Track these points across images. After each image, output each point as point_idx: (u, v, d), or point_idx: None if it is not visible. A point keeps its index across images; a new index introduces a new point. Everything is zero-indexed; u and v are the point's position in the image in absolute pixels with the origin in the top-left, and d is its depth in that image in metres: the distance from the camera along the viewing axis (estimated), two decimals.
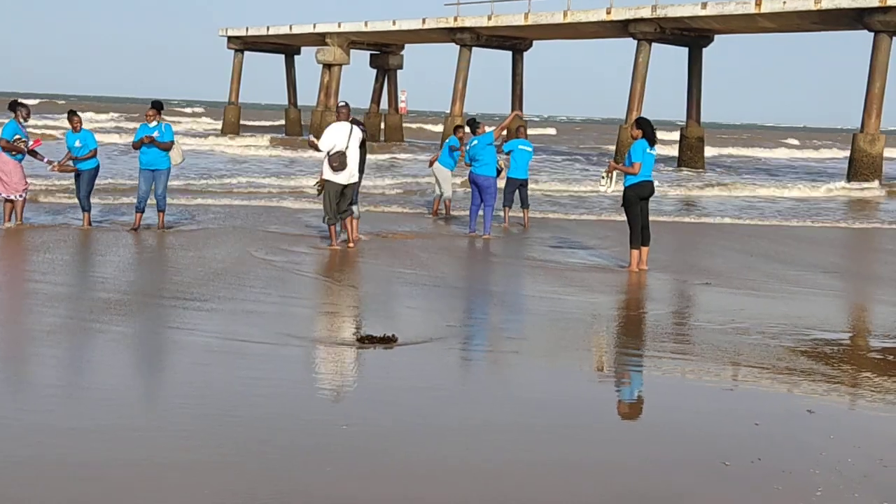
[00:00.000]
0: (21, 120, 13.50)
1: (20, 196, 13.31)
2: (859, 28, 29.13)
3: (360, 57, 49.06)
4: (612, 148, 37.28)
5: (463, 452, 5.03)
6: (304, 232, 14.02)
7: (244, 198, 18.83)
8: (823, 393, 6.39)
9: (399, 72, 50.27)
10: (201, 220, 14.97)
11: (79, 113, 14.18)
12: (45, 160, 13.80)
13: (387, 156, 35.72)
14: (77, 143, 13.56)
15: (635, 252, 11.39)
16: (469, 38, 40.03)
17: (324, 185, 12.33)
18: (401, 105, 51.39)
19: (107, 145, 31.46)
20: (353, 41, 46.38)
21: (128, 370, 6.57)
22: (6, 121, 13.58)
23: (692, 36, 35.13)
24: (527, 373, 6.75)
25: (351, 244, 12.48)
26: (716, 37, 36.16)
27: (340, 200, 12.30)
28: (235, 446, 4.97)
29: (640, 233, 11.35)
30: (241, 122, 54.24)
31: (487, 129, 14.93)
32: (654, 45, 34.38)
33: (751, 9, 29.96)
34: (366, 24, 44.88)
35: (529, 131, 24.94)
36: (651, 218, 11.74)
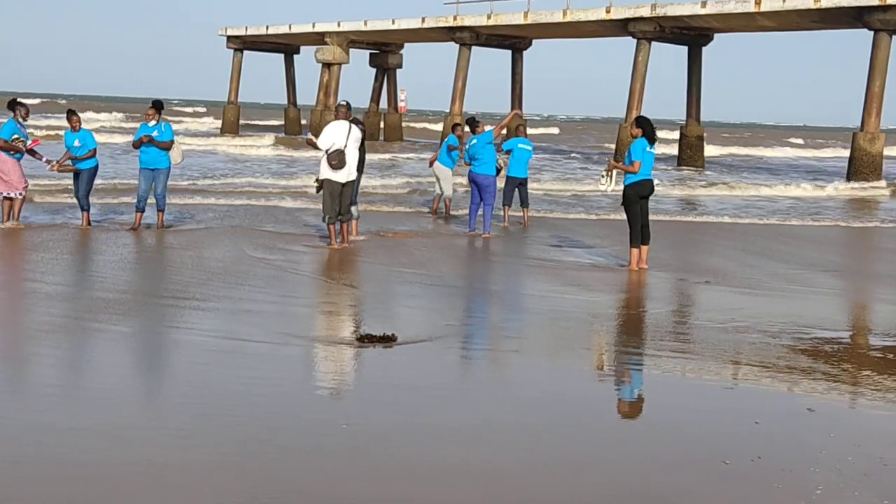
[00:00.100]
0: (20, 119, 13.49)
1: (19, 194, 13.30)
2: (859, 27, 29.13)
3: (360, 56, 49.11)
4: (614, 147, 37.25)
5: (463, 452, 5.03)
6: (304, 231, 14.02)
7: (244, 197, 18.81)
8: (823, 391, 6.39)
9: (398, 71, 50.27)
10: (201, 219, 14.96)
11: (78, 113, 14.17)
12: (44, 159, 13.79)
13: (388, 155, 35.70)
14: (76, 143, 13.55)
15: (635, 251, 11.39)
16: (468, 37, 40.04)
17: (322, 183, 12.33)
18: (400, 104, 51.39)
19: (111, 145, 31.49)
20: (352, 40, 46.39)
21: (127, 370, 6.57)
22: (5, 120, 13.57)
23: (692, 35, 35.13)
24: (527, 372, 6.75)
25: (346, 243, 12.47)
26: (715, 35, 36.16)
27: (340, 200, 12.30)
28: (235, 446, 4.96)
29: (639, 231, 11.34)
30: (248, 121, 54.26)
31: (487, 127, 14.92)
32: (653, 43, 34.39)
33: (750, 7, 29.95)
34: (365, 24, 44.89)
35: (532, 131, 24.95)
36: (651, 217, 11.73)
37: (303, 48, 53.98)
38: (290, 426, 5.32)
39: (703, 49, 36.66)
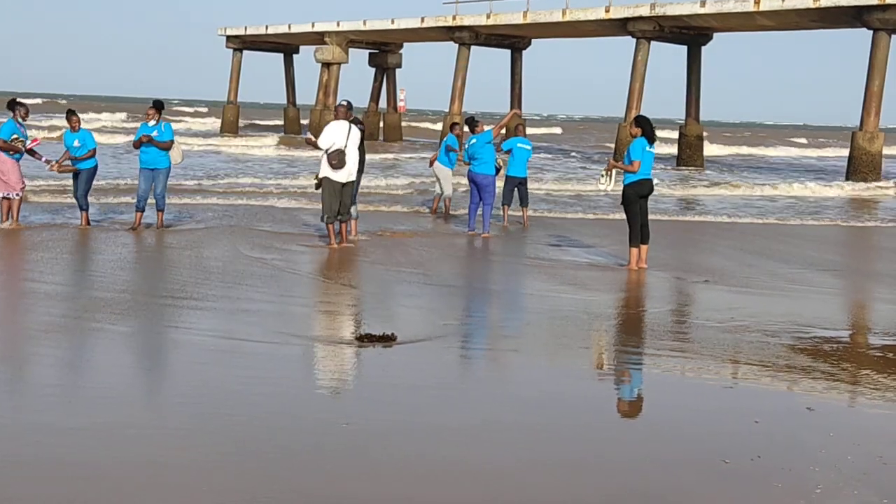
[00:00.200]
0: (19, 119, 13.48)
1: (16, 195, 13.29)
2: (858, 26, 29.14)
3: (359, 56, 49.11)
4: (614, 146, 37.23)
5: (462, 451, 5.03)
6: (303, 231, 14.02)
7: (244, 197, 18.81)
8: (823, 390, 6.39)
9: (398, 70, 50.28)
10: (201, 219, 14.96)
11: (77, 113, 14.16)
12: (44, 159, 13.78)
13: (389, 155, 35.72)
14: (76, 143, 13.54)
15: (634, 250, 11.39)
16: (468, 37, 40.05)
17: (322, 182, 12.33)
18: (399, 104, 51.39)
19: (113, 146, 31.48)
20: (351, 40, 46.39)
21: (126, 369, 6.56)
22: (4, 120, 13.56)
23: (691, 34, 35.14)
24: (526, 371, 6.75)
25: (345, 243, 12.47)
26: (715, 35, 36.18)
27: (340, 200, 12.30)
28: (234, 445, 4.96)
29: (639, 231, 11.34)
30: (250, 121, 54.15)
31: (486, 127, 14.92)
32: (652, 43, 34.40)
33: (749, 7, 29.97)
34: (364, 23, 44.89)
35: (535, 130, 24.94)
36: (650, 216, 11.73)
37: (302, 48, 53.99)
38: (290, 426, 5.32)
39: (703, 48, 36.68)
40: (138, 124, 16.45)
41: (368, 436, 5.17)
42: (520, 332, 8.10)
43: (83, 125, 14.07)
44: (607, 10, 33.90)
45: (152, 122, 13.44)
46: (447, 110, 40.55)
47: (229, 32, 53.78)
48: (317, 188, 12.70)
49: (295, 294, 9.41)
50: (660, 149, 13.79)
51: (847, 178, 28.87)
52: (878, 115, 28.37)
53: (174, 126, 14.25)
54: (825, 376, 6.70)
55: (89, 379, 6.30)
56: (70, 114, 13.83)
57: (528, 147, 16.14)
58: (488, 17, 38.40)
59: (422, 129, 62.33)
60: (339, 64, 46.35)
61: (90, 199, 13.99)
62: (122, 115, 63.80)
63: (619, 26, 34.53)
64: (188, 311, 8.24)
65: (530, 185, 17.79)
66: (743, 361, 7.11)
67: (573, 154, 44.24)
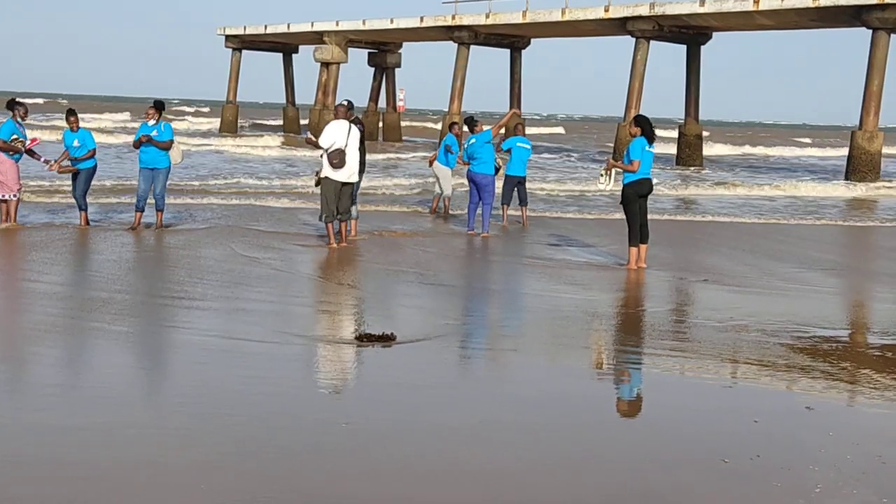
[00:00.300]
0: (18, 119, 13.47)
1: (14, 196, 13.27)
2: (857, 25, 29.13)
3: (358, 55, 49.08)
4: (613, 146, 37.24)
5: (462, 451, 5.03)
6: (303, 231, 14.02)
7: (244, 197, 18.81)
8: (822, 390, 6.39)
9: (397, 70, 50.23)
10: (200, 218, 14.96)
11: (77, 112, 14.16)
12: (43, 160, 13.77)
13: (390, 155, 35.70)
14: (75, 143, 13.54)
15: (634, 250, 11.39)
16: (467, 37, 40.03)
17: (322, 180, 12.34)
18: (399, 103, 51.36)
19: (116, 146, 31.47)
20: (351, 39, 46.37)
21: (126, 369, 6.56)
22: (4, 120, 13.55)
23: (690, 33, 35.14)
24: (525, 371, 6.75)
25: (344, 243, 12.47)
26: (714, 34, 36.17)
27: (340, 199, 12.31)
28: (234, 445, 4.96)
29: (638, 230, 11.35)
30: (253, 120, 54.03)
31: (485, 127, 14.92)
32: (652, 42, 34.38)
33: (749, 6, 29.96)
34: (364, 23, 44.87)
35: (538, 130, 24.91)
36: (649, 216, 11.74)
37: (301, 47, 53.96)
38: (290, 425, 5.32)
39: (702, 48, 36.68)
40: (133, 125, 16.41)
41: (368, 435, 5.17)
42: (519, 332, 8.10)
43: (84, 125, 14.06)
44: (606, 10, 33.90)
45: (152, 122, 13.44)
46: (446, 110, 40.54)
47: (228, 32, 53.75)
48: (316, 185, 12.72)
49: (294, 294, 9.42)
50: (659, 148, 13.78)
51: (846, 178, 28.88)
52: (878, 115, 28.38)
53: (175, 126, 14.24)
54: (824, 376, 6.71)
55: (89, 379, 6.31)
56: (69, 114, 13.82)
57: (528, 146, 16.15)
58: (487, 16, 38.39)
59: (421, 129, 62.33)
60: (339, 63, 46.33)
61: (91, 199, 13.98)
62: (126, 115, 63.86)
63: (619, 26, 34.52)
64: (188, 310, 8.24)
65: (531, 185, 17.79)
66: (742, 361, 7.11)
67: (573, 155, 44.20)
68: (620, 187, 11.49)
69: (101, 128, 43.20)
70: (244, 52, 54.04)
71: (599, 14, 34.19)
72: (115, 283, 9.44)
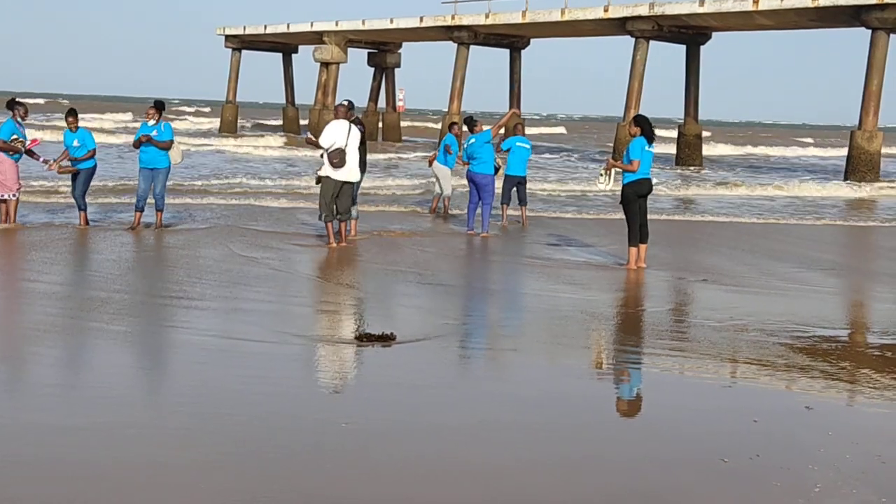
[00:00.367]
0: (18, 119, 13.47)
1: (13, 196, 13.28)
2: (857, 25, 29.14)
3: (358, 55, 49.06)
4: (612, 146, 37.25)
5: (462, 451, 5.03)
6: (302, 231, 14.02)
7: (244, 197, 18.81)
8: (821, 389, 6.40)
9: (397, 70, 50.23)
10: (200, 218, 14.96)
11: (77, 112, 14.15)
12: (42, 160, 13.77)
13: (391, 155, 35.69)
14: (75, 143, 13.54)
15: (633, 249, 11.40)
16: (467, 37, 40.03)
17: (322, 180, 12.35)
18: (398, 103, 51.34)
19: (117, 146, 31.47)
20: (350, 39, 46.36)
21: (125, 369, 6.56)
22: (4, 120, 13.55)
23: (690, 33, 35.14)
24: (525, 370, 6.75)
25: (344, 243, 12.48)
26: (713, 34, 36.18)
27: (340, 199, 12.31)
28: (234, 445, 4.96)
29: (638, 230, 11.35)
30: (256, 120, 53.93)
31: (485, 127, 14.92)
32: (651, 42, 34.39)
33: (748, 6, 29.97)
34: (363, 23, 44.86)
35: (538, 130, 24.89)
36: (649, 216, 11.74)
37: (301, 47, 53.94)
38: (289, 425, 5.32)
39: (702, 48, 36.68)
40: (134, 125, 16.43)
41: (368, 435, 5.17)
42: (519, 332, 8.10)
43: (86, 125, 14.05)
44: (606, 10, 33.90)
45: (152, 122, 13.44)
46: (446, 110, 40.54)
47: (228, 32, 53.74)
48: (317, 182, 12.74)
49: (294, 293, 9.42)
50: (659, 148, 13.80)
51: (846, 178, 28.88)
52: (877, 115, 28.38)
53: (176, 126, 14.25)
54: (824, 375, 6.71)
55: (89, 379, 6.31)
56: (69, 114, 13.82)
57: (528, 146, 16.15)
58: (487, 16, 38.40)
59: (421, 129, 62.32)
60: (338, 63, 46.32)
61: (90, 199, 13.98)
62: (128, 116, 63.86)
63: (618, 26, 34.53)
64: (187, 310, 8.24)
65: (531, 185, 17.79)
66: (741, 360, 7.11)
67: (573, 155, 44.21)
68: (620, 187, 11.49)
69: (102, 128, 43.24)
70: (244, 52, 54.03)
71: (599, 14, 34.19)
72: (115, 283, 9.44)
